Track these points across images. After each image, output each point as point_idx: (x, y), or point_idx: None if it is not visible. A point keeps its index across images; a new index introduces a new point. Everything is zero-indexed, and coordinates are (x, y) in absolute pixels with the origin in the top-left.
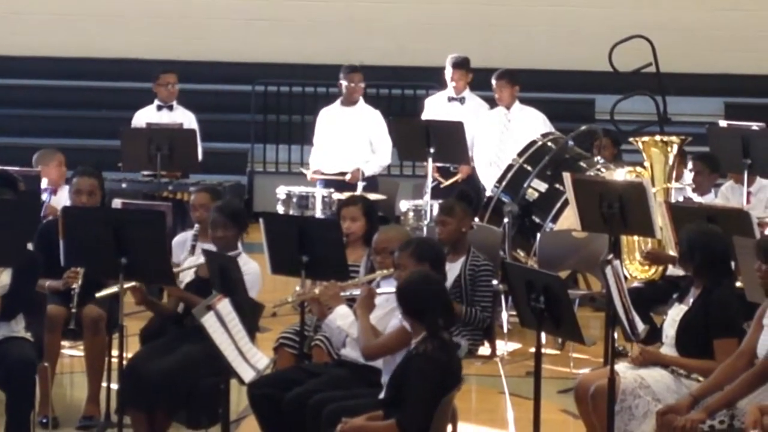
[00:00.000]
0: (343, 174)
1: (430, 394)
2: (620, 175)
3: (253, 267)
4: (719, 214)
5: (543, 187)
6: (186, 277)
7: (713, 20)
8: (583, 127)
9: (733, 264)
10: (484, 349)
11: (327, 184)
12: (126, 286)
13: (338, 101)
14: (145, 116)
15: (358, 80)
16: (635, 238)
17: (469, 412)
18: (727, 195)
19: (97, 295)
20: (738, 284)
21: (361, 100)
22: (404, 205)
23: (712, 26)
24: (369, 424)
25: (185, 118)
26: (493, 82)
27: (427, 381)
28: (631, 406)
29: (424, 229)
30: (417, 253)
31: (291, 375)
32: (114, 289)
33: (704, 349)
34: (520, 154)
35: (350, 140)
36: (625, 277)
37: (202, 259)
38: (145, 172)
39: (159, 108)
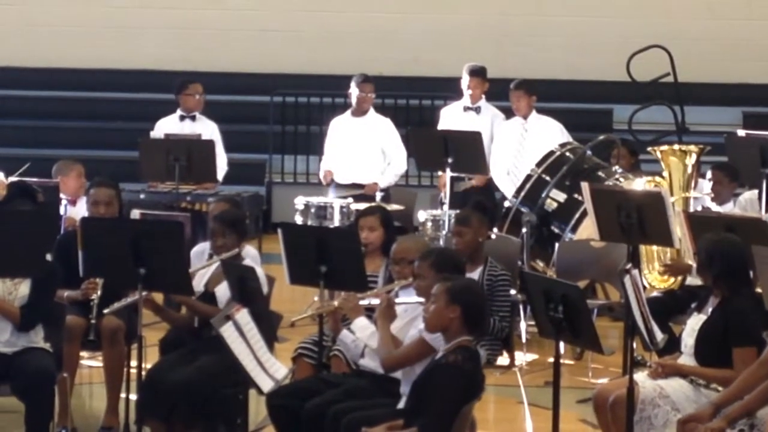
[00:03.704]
0: (357, 186)
1: (455, 404)
2: (638, 184)
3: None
4: (738, 223)
5: (561, 197)
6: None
7: (731, 30)
8: (601, 137)
9: (751, 273)
10: (503, 359)
11: (340, 189)
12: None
13: (348, 111)
14: (166, 126)
15: (369, 90)
16: (654, 247)
17: (488, 422)
18: (745, 206)
19: (105, 311)
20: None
21: (372, 109)
22: (422, 215)
23: (730, 36)
24: None
25: (207, 128)
26: (511, 92)
27: (453, 391)
28: (651, 416)
29: (442, 239)
30: (437, 264)
31: (310, 385)
32: (124, 302)
33: (723, 358)
34: (538, 164)
35: (363, 150)
36: (644, 287)
37: (208, 261)
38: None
39: (182, 118)
